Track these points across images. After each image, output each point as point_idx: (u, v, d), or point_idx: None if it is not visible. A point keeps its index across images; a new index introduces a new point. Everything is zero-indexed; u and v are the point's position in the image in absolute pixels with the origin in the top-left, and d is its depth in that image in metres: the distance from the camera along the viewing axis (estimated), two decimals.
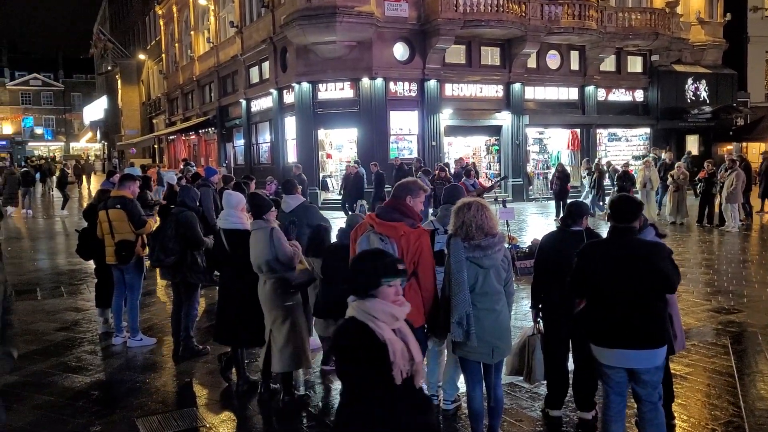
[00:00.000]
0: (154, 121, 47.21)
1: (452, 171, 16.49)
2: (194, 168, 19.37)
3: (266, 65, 25.18)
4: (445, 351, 5.12)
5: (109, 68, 56.11)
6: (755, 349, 6.57)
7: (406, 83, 21.86)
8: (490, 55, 23.30)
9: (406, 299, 4.03)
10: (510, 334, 4.35)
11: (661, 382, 3.95)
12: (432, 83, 21.95)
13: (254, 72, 26.83)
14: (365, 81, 21.16)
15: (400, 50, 21.74)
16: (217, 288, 6.08)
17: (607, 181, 19.27)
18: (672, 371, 4.92)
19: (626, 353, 3.76)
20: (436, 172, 15.20)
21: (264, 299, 5.27)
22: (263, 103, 25.84)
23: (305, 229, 6.48)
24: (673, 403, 4.93)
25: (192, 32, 34.54)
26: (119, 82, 52.38)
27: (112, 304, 7.33)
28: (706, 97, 27.29)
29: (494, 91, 23.27)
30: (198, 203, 6.93)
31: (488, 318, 4.13)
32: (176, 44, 38.07)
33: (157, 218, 7.43)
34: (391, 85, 21.61)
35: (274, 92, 23.99)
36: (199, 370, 6.27)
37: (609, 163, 20.69)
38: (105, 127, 62.21)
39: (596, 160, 20.87)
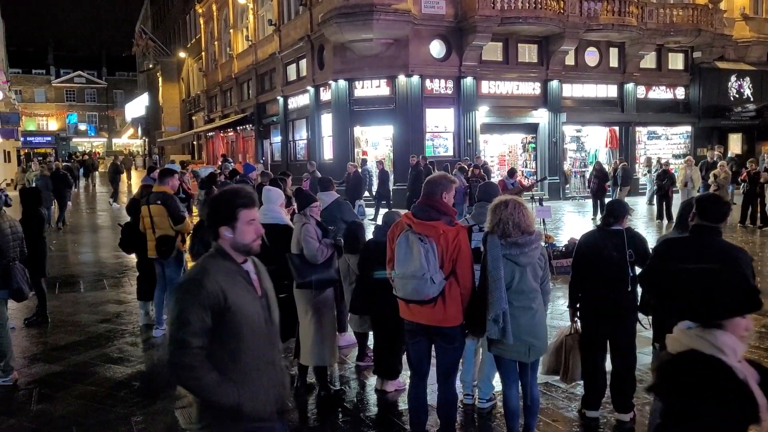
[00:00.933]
0: (193, 118, 48.00)
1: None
2: (232, 164, 19.66)
3: (303, 63, 25.39)
4: (481, 350, 5.12)
5: (151, 66, 57.26)
6: None
7: (442, 80, 21.80)
8: (528, 53, 23.07)
9: (448, 298, 4.10)
10: (546, 333, 4.33)
11: None
12: (468, 81, 21.84)
13: (291, 69, 27.08)
14: (401, 78, 21.17)
15: (436, 48, 21.69)
16: None
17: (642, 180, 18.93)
18: None
19: None
20: (471, 169, 15.15)
21: (294, 293, 5.36)
22: (300, 101, 26.06)
23: (340, 224, 6.56)
24: None
25: (231, 30, 35.01)
26: (160, 79, 53.41)
27: (154, 297, 7.52)
28: (750, 95, 26.56)
29: (531, 88, 23.04)
30: None
31: (524, 316, 4.13)
32: (216, 42, 38.65)
33: (195, 214, 7.59)
34: (427, 82, 21.57)
35: (311, 90, 24.18)
36: None
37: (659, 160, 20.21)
38: (146, 124, 63.53)
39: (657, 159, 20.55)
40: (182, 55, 48.26)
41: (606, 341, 4.84)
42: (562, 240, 12.27)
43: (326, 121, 23.47)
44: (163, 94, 53.21)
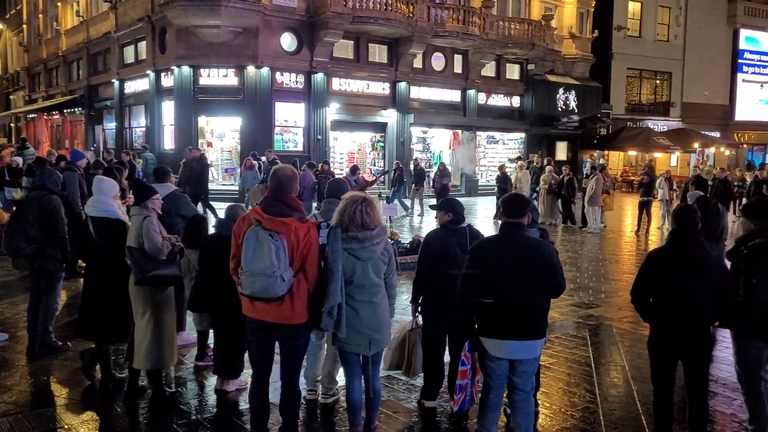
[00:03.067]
0: (11, 97, 43.38)
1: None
2: (33, 151, 17.94)
3: (143, 45, 23.86)
4: (325, 345, 5.10)
5: None
6: (610, 340, 7.11)
7: (293, 74, 21.57)
8: (378, 53, 23.55)
9: (296, 295, 4.02)
10: (389, 327, 4.39)
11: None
12: (319, 76, 21.82)
13: (129, 51, 25.35)
14: (251, 69, 20.63)
15: (287, 40, 21.42)
16: (82, 280, 5.67)
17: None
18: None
19: (514, 344, 3.93)
20: (320, 165, 15.14)
21: (131, 291, 4.99)
22: (138, 85, 24.48)
23: (177, 219, 6.21)
24: (538, 391, 5.22)
25: (59, 3, 32.04)
26: None
27: None
28: (574, 107, 29.22)
29: (381, 88, 23.55)
30: (61, 188, 6.43)
31: (366, 310, 4.16)
32: (40, 15, 35.18)
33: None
34: (278, 75, 21.24)
35: (151, 74, 22.81)
36: (58, 368, 5.81)
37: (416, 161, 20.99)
38: None
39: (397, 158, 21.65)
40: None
41: (446, 336, 5.04)
42: (407, 237, 12.67)
43: (168, 108, 22.25)
44: None
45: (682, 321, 4.08)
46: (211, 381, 5.48)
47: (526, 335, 3.92)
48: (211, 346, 5.69)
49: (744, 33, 35.90)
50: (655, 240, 15.27)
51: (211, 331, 5.71)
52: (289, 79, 21.53)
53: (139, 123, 25.15)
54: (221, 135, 22.59)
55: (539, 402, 5.17)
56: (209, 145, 22.49)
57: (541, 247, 4.01)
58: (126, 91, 25.60)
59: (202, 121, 21.83)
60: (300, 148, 21.81)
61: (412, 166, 20.16)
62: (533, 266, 3.91)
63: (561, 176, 17.06)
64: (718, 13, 35.19)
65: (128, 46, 25.26)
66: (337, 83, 22.50)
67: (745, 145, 37.49)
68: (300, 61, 21.55)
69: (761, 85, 37.24)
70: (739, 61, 36.15)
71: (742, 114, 36.77)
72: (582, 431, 4.81)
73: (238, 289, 4.05)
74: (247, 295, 3.97)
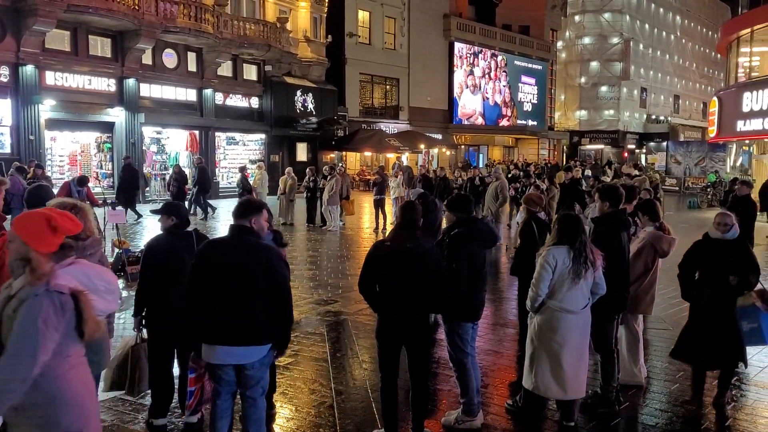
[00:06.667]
0: None
1: None
2: None
3: None
4: None
5: None
6: (345, 334, 7.40)
7: None
8: (101, 46, 21.57)
9: None
10: (108, 347, 3.95)
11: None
12: (29, 69, 19.25)
13: None
14: None
15: None
16: None
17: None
18: (276, 363, 5.16)
19: (225, 349, 3.84)
20: (31, 169, 13.35)
21: None
22: None
23: None
24: (275, 393, 5.19)
25: None
26: None
27: None
28: (312, 109, 30.14)
29: (105, 84, 21.60)
30: None
31: None
32: None
33: None
34: None
35: None
36: None
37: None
38: None
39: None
40: None
41: (173, 347, 4.76)
42: (140, 245, 11.79)
43: None
44: None
45: (402, 309, 4.38)
46: None
47: (240, 341, 3.85)
48: None
49: (458, 45, 40.48)
50: None
51: None
52: None
53: None
54: None
55: (275, 404, 5.15)
56: None
57: (260, 250, 3.96)
58: None
59: None
60: (7, 150, 19.03)
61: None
62: (250, 269, 3.86)
63: (306, 177, 17.49)
64: (436, 27, 39.17)
65: None
66: (52, 77, 20.07)
67: (463, 146, 42.43)
68: (4, 51, 18.77)
69: (471, 91, 42.27)
70: (455, 69, 40.58)
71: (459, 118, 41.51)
72: (317, 426, 4.90)
73: None
74: None
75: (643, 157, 46.89)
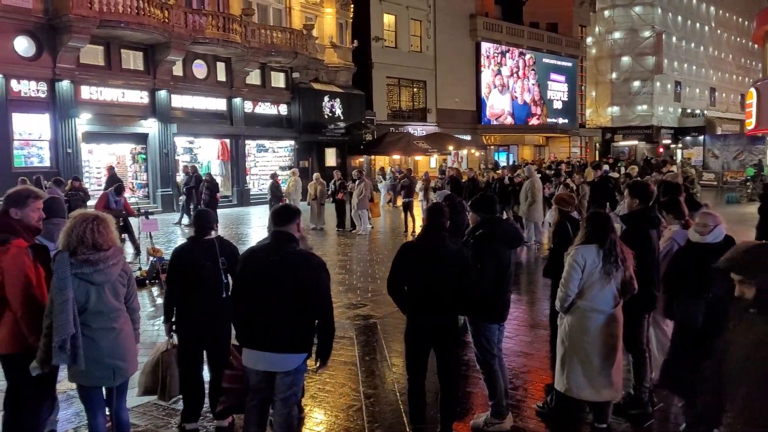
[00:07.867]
0: None
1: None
2: None
3: None
4: None
5: None
6: (375, 337, 7.41)
7: (33, 82, 19.24)
8: (133, 59, 22.04)
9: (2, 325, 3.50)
10: (134, 353, 4.07)
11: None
12: (65, 84, 19.77)
13: None
14: None
15: (23, 44, 19.05)
16: None
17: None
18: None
19: (271, 356, 3.89)
20: (69, 181, 13.71)
21: None
22: None
23: None
24: (304, 396, 5.23)
25: None
26: None
27: None
28: (340, 114, 30.28)
29: (138, 97, 22.06)
30: None
31: (106, 338, 3.82)
32: None
33: None
34: (14, 83, 18.79)
35: None
36: None
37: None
38: None
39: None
40: None
41: (203, 352, 4.84)
42: None
43: None
44: None
45: (429, 310, 4.36)
46: None
47: (278, 348, 3.88)
48: None
49: (485, 45, 40.27)
50: None
51: None
52: (29, 88, 19.17)
53: None
54: None
55: (304, 407, 5.18)
56: None
57: (302, 258, 3.98)
58: None
59: None
60: (47, 163, 19.57)
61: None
62: (290, 278, 3.88)
63: (333, 181, 17.60)
64: (462, 28, 39.05)
65: None
66: (87, 92, 20.57)
67: (492, 147, 42.16)
68: (40, 67, 19.31)
69: (500, 91, 42.00)
70: (482, 69, 40.37)
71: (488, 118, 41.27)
72: (347, 430, 4.92)
73: None
74: None
75: (678, 152, 45.90)
